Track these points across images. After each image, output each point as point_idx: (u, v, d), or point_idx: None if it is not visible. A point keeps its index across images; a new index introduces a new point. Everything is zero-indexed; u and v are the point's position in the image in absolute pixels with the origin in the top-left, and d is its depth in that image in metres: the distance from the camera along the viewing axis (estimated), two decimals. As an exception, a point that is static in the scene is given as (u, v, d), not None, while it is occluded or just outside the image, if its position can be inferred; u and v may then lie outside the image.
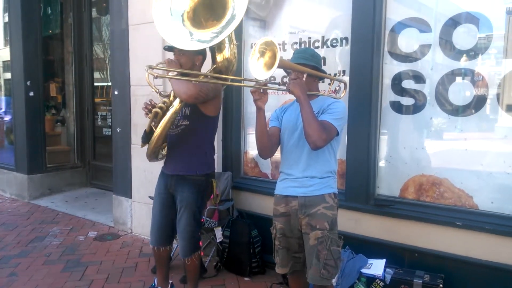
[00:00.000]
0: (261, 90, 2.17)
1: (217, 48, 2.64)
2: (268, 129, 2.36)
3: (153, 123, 2.58)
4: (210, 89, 2.58)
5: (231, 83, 2.52)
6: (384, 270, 2.81)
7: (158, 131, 2.53)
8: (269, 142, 2.29)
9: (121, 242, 4.26)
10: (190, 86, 2.44)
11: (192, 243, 2.76)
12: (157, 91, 2.53)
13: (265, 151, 2.32)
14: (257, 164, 3.91)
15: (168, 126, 2.54)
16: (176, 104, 2.52)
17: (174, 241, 3.11)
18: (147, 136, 2.63)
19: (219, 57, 2.66)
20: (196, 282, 2.90)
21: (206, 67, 2.77)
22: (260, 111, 2.21)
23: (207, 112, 2.67)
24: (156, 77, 2.13)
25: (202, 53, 2.69)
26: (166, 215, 2.80)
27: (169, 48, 2.62)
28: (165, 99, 2.58)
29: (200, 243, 3.23)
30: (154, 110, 2.54)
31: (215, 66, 2.66)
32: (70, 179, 6.38)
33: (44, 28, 6.14)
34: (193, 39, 2.36)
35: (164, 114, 2.53)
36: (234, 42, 2.69)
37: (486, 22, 2.68)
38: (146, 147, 2.70)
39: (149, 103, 2.62)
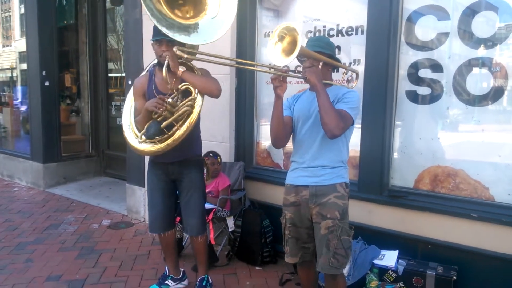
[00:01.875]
0: (281, 78, 2.14)
1: None
2: None
3: (175, 120, 2.52)
4: None
5: (244, 67, 2.43)
6: (397, 261, 2.79)
7: (186, 127, 2.50)
8: (284, 131, 2.28)
9: (134, 230, 4.31)
10: (216, 81, 2.59)
11: (204, 219, 2.92)
12: (172, 86, 2.52)
13: (280, 140, 2.30)
14: (269, 154, 3.90)
15: (196, 122, 2.59)
16: (200, 101, 2.54)
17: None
18: (160, 132, 2.55)
19: None
20: (206, 265, 2.98)
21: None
22: (279, 99, 2.18)
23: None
24: (185, 58, 2.16)
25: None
26: (170, 201, 2.90)
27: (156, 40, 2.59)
28: (191, 96, 2.52)
29: (212, 230, 3.28)
30: (184, 109, 2.49)
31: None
32: (84, 168, 6.47)
33: (59, 18, 6.20)
34: (194, 32, 2.31)
35: (191, 112, 2.52)
36: None
37: (506, 10, 2.61)
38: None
39: (162, 101, 2.51)
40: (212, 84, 2.57)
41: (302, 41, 1.97)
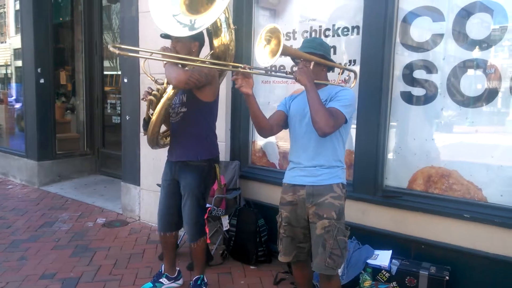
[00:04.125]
0: (242, 75, 2.09)
1: (214, 33, 2.62)
2: (274, 112, 2.40)
3: (150, 111, 2.58)
4: (203, 75, 2.54)
5: (232, 69, 2.39)
6: (390, 261, 2.81)
7: (153, 118, 2.54)
8: (267, 123, 2.27)
9: (129, 229, 4.30)
10: (180, 71, 2.43)
11: (197, 227, 2.81)
12: (153, 79, 2.55)
13: (264, 131, 2.31)
14: (264, 153, 3.91)
15: (162, 113, 2.53)
16: (169, 91, 2.50)
17: (182, 229, 3.13)
18: (146, 124, 2.64)
19: (216, 42, 2.63)
20: (202, 267, 2.94)
21: (204, 53, 2.76)
22: (248, 97, 2.14)
23: (203, 98, 2.66)
24: (118, 55, 2.09)
25: (198, 39, 2.64)
26: (172, 202, 2.84)
27: (166, 36, 2.59)
28: (159, 86, 2.57)
29: (207, 229, 3.27)
30: (148, 98, 2.55)
31: (212, 51, 2.64)
32: (79, 166, 6.45)
33: (55, 15, 6.16)
34: (183, 25, 2.32)
35: (158, 102, 2.53)
36: (232, 26, 2.66)
37: (501, 12, 2.63)
38: None
39: (148, 91, 2.62)
40: (171, 72, 2.40)
41: (285, 41, 2.01)
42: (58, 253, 3.65)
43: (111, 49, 2.00)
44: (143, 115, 4.18)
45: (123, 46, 2.10)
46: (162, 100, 2.51)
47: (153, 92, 2.56)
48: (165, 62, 2.41)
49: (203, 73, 2.53)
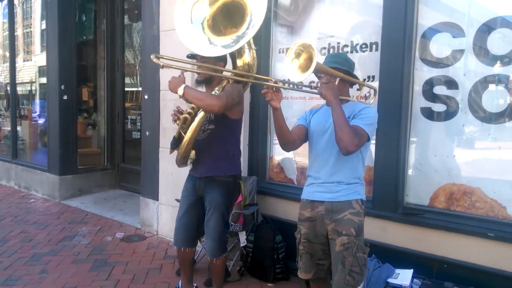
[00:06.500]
0: (273, 89, 2.11)
1: (237, 54, 2.68)
2: (294, 127, 2.39)
3: (181, 129, 2.59)
4: (236, 95, 2.61)
5: (263, 83, 2.42)
6: (412, 280, 2.73)
7: (188, 136, 2.54)
8: (291, 137, 2.27)
9: (147, 244, 4.32)
10: (216, 98, 2.48)
11: (221, 243, 2.81)
12: (179, 95, 2.58)
13: (287, 146, 2.31)
14: (282, 169, 3.90)
15: (197, 131, 2.56)
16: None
17: (198, 244, 3.13)
18: (176, 142, 2.65)
19: (239, 62, 2.69)
20: (221, 283, 2.93)
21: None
22: (276, 111, 2.15)
23: (231, 115, 2.69)
24: (162, 67, 2.15)
25: (223, 59, 2.73)
26: (192, 217, 2.85)
27: (192, 56, 2.67)
28: (192, 105, 2.58)
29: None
30: (183, 116, 2.55)
31: (236, 71, 2.69)
32: (99, 180, 6.55)
33: (79, 34, 6.36)
34: (214, 45, 2.39)
35: (192, 120, 2.55)
36: (253, 47, 2.74)
37: (522, 27, 2.60)
38: (174, 153, 2.71)
39: (177, 109, 2.64)
40: (208, 102, 2.44)
41: (318, 57, 2.00)
42: (78, 267, 3.69)
43: (154, 60, 2.12)
44: (162, 131, 4.32)
45: (165, 57, 2.26)
46: (197, 119, 2.52)
47: (188, 110, 2.56)
48: (183, 86, 2.45)
49: (235, 93, 2.61)
